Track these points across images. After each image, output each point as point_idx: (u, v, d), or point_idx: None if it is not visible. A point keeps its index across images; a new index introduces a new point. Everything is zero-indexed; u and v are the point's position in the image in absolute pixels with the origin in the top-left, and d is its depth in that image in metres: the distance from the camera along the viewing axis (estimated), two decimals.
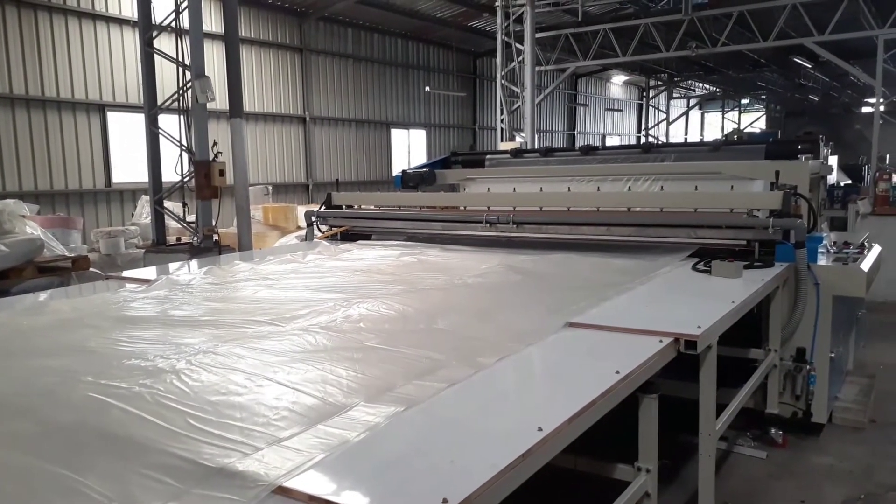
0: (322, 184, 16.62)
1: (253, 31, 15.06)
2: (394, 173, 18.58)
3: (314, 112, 16.67)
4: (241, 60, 9.50)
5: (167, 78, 8.87)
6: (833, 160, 8.78)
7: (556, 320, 2.90)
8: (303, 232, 8.66)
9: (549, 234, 5.11)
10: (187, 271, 4.63)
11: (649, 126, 31.28)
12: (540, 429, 1.75)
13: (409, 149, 19.95)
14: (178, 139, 8.18)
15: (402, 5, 16.69)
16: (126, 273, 4.74)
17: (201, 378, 2.25)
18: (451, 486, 1.46)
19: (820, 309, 4.31)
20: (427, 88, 19.81)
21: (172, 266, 5.10)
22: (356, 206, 6.36)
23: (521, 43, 14.17)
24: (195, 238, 7.90)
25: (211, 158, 7.68)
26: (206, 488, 1.53)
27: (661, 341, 2.54)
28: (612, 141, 29.13)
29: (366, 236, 6.02)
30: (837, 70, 20.20)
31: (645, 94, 31.21)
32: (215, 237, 7.61)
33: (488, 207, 5.40)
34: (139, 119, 12.59)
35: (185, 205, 8.34)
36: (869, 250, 4.85)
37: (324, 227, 6.19)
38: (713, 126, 36.79)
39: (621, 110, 30.81)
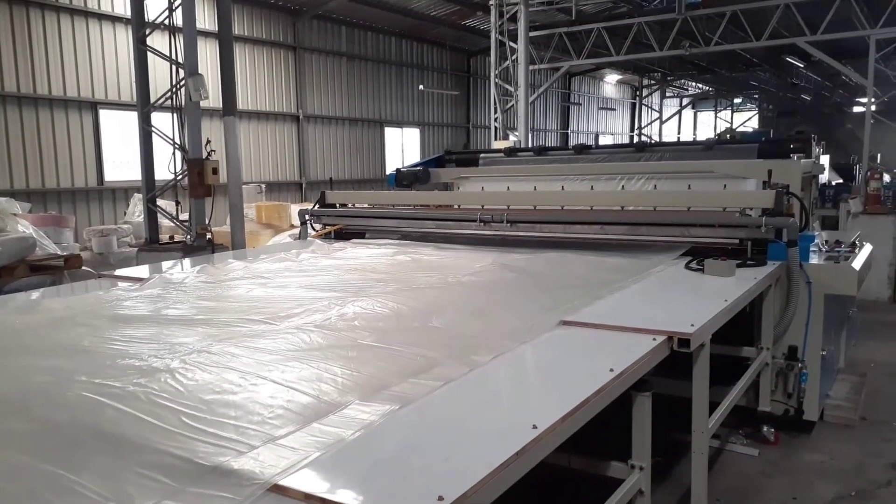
0: (315, 182, 16.59)
1: (246, 29, 15.02)
2: (387, 172, 18.56)
3: (308, 110, 16.64)
4: (235, 58, 9.46)
5: (160, 76, 8.83)
6: (825, 159, 8.82)
7: (550, 318, 2.91)
8: (296, 230, 8.65)
9: (543, 233, 5.12)
10: (181, 270, 4.62)
11: (642, 125, 31.36)
12: (534, 426, 1.76)
13: (403, 147, 19.94)
14: (172, 137, 8.15)
15: (395, 3, 16.67)
16: (119, 272, 4.73)
17: (196, 377, 2.25)
18: (446, 483, 1.47)
19: (812, 307, 4.34)
20: (421, 87, 19.80)
21: (166, 265, 5.09)
22: (350, 205, 6.35)
23: (515, 42, 14.19)
24: (188, 236, 7.88)
25: (204, 157, 7.65)
26: (202, 486, 1.53)
27: (654, 339, 2.56)
28: (605, 140, 29.20)
29: (360, 235, 6.02)
30: (829, 70, 20.31)
31: (638, 93, 31.28)
32: (208, 236, 7.58)
33: (482, 206, 5.40)
34: (132, 117, 12.56)
35: (178, 203, 8.31)
36: (860, 249, 4.88)
37: (317, 226, 6.18)
38: (706, 125, 36.94)
39: (615, 109, 30.87)
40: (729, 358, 4.12)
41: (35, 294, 4.10)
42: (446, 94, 20.94)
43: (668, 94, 32.86)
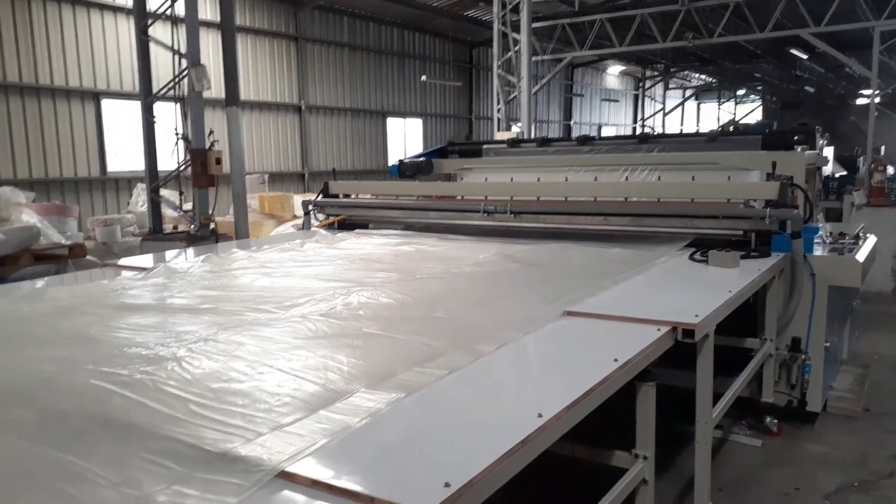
0: (318, 173, 16.59)
1: (248, 20, 14.98)
2: (390, 163, 18.56)
3: (310, 101, 16.61)
4: (237, 49, 9.43)
5: (162, 66, 8.82)
6: (828, 151, 8.79)
7: (554, 309, 2.91)
8: (299, 221, 8.65)
9: (547, 224, 5.13)
10: (185, 259, 4.62)
11: (645, 117, 31.26)
12: (540, 415, 1.76)
13: (406, 138, 19.91)
14: (175, 127, 8.14)
15: None
16: (123, 261, 4.74)
17: (202, 365, 2.26)
18: (452, 471, 1.47)
19: (815, 299, 4.35)
20: (423, 78, 19.75)
21: (170, 254, 5.09)
22: (353, 195, 6.35)
23: (518, 32, 14.11)
24: (192, 226, 7.89)
25: (207, 147, 7.65)
26: (210, 473, 1.54)
27: (658, 330, 2.56)
28: (607, 131, 29.12)
29: (363, 225, 6.02)
30: (833, 61, 20.21)
31: (641, 84, 31.17)
32: (212, 225, 7.59)
33: (486, 197, 5.41)
34: (134, 107, 12.55)
35: (181, 193, 8.31)
36: (864, 241, 4.87)
37: (321, 216, 6.18)
38: (709, 117, 36.79)
39: (617, 101, 30.79)
40: (731, 349, 4.12)
41: (40, 283, 4.11)
42: (449, 85, 20.89)
43: (671, 86, 32.72)
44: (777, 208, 4.17)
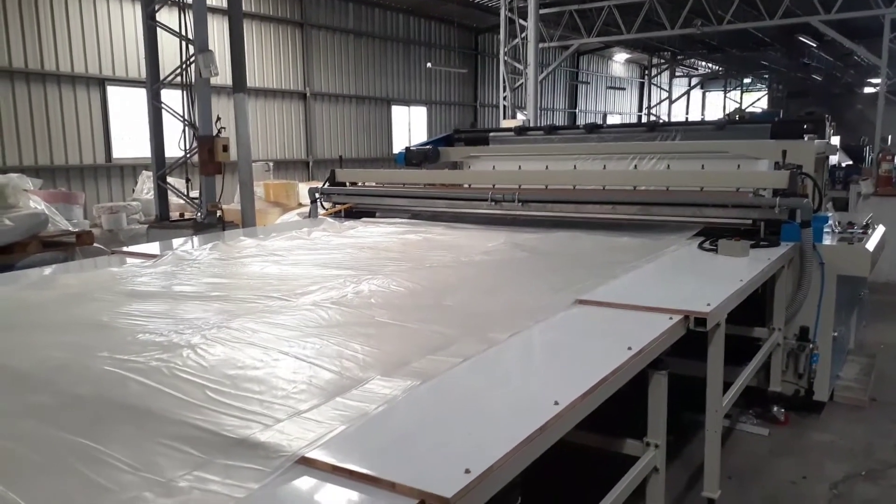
0: (322, 160, 16.57)
1: (254, 6, 14.92)
2: (394, 150, 18.55)
3: (315, 88, 16.57)
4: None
5: (168, 52, 8.79)
6: (835, 141, 8.74)
7: (564, 297, 2.91)
8: (304, 209, 8.66)
9: (555, 213, 5.12)
10: (194, 247, 4.63)
11: (651, 105, 31.11)
12: (556, 403, 1.77)
13: (410, 126, 19.86)
14: (182, 114, 8.13)
15: None
16: (132, 248, 4.75)
17: (217, 352, 2.27)
18: (471, 457, 1.48)
19: (824, 288, 4.34)
20: (429, 65, 19.66)
21: (178, 241, 5.10)
22: (360, 184, 6.35)
23: (525, 19, 14.04)
24: (199, 214, 7.89)
25: (214, 134, 7.64)
26: (230, 458, 1.55)
27: (671, 318, 2.56)
28: (612, 119, 29.01)
29: (370, 214, 6.02)
30: (841, 50, 20.07)
31: (647, 72, 31.00)
32: (219, 213, 7.60)
33: (493, 185, 5.40)
34: (139, 94, 12.53)
35: (188, 180, 8.31)
36: (873, 230, 4.86)
37: (327, 205, 6.18)
38: (715, 106, 36.60)
39: (624, 88, 30.64)
40: (738, 338, 4.12)
41: (48, 270, 4.13)
42: (454, 72, 20.79)
43: (677, 74, 32.55)
44: (787, 197, 4.16)
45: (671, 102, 31.37)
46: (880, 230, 4.99)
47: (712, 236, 4.18)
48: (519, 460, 1.57)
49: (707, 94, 37.20)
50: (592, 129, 6.51)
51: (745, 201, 4.38)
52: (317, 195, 6.19)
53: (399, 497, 1.38)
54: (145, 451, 1.60)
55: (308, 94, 16.39)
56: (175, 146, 8.28)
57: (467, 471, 1.42)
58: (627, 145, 5.88)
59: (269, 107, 15.59)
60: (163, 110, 8.34)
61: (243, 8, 13.40)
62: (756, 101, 36.35)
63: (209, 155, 7.52)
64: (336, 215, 6.02)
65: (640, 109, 31.61)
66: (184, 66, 7.95)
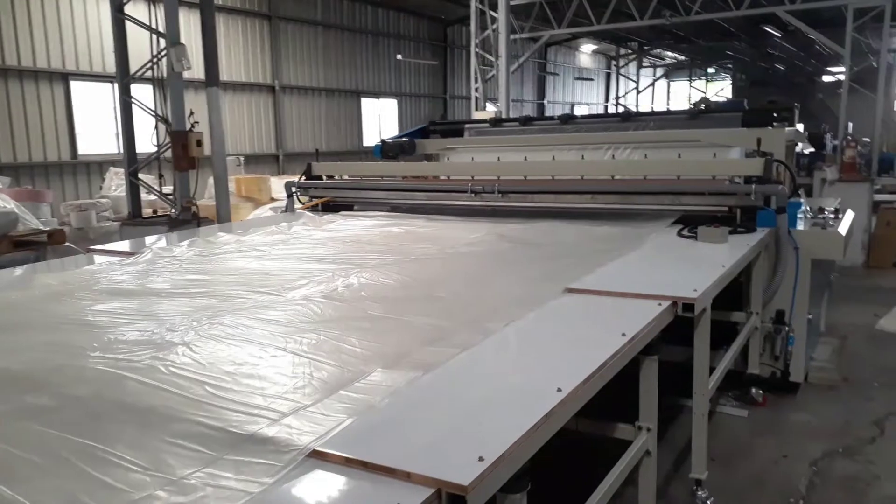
0: (293, 154, 16.42)
1: None
2: (365, 143, 18.48)
3: (283, 81, 16.40)
4: None
5: (135, 46, 8.61)
6: (799, 128, 8.91)
7: (554, 286, 2.94)
8: (277, 204, 8.57)
9: (535, 203, 5.15)
10: (172, 244, 4.56)
11: (619, 95, 31.39)
12: (559, 390, 1.80)
13: (381, 119, 19.76)
14: (154, 109, 7.98)
15: None
16: (108, 246, 4.68)
17: (213, 349, 2.25)
18: (482, 445, 1.50)
19: (799, 272, 4.45)
20: (399, 56, 19.59)
21: (154, 239, 5.02)
22: (336, 177, 6.30)
23: (495, 10, 14.03)
24: (173, 210, 7.77)
25: (188, 128, 7.52)
26: (240, 454, 1.55)
27: (659, 304, 2.61)
28: (580, 110, 29.22)
29: (347, 207, 5.98)
30: (804, 40, 20.44)
31: (615, 63, 31.26)
32: (194, 209, 7.49)
33: (472, 177, 5.41)
34: (104, 88, 12.28)
35: (161, 176, 8.17)
36: (844, 215, 4.99)
37: (304, 198, 6.12)
38: (680, 95, 37.09)
39: (591, 79, 30.87)
40: (716, 323, 4.21)
41: (19, 270, 4.01)
42: (423, 64, 20.75)
43: (643, 64, 32.88)
44: (762, 184, 4.25)
45: (639, 92, 31.68)
46: (850, 215, 5.12)
47: (689, 224, 4.25)
48: (528, 447, 1.60)
49: (672, 83, 37.67)
50: (567, 119, 6.55)
51: (723, 188, 4.46)
52: (293, 189, 6.14)
53: (415, 487, 1.39)
54: (153, 450, 1.59)
55: (277, 88, 16.21)
56: (145, 142, 8.14)
57: (481, 458, 1.44)
58: (604, 135, 5.95)
59: (237, 100, 15.38)
60: (133, 105, 8.17)
61: None
62: (720, 90, 36.93)
63: (183, 150, 7.40)
64: (313, 209, 5.97)
65: (607, 100, 31.88)
66: (155, 60, 7.80)
